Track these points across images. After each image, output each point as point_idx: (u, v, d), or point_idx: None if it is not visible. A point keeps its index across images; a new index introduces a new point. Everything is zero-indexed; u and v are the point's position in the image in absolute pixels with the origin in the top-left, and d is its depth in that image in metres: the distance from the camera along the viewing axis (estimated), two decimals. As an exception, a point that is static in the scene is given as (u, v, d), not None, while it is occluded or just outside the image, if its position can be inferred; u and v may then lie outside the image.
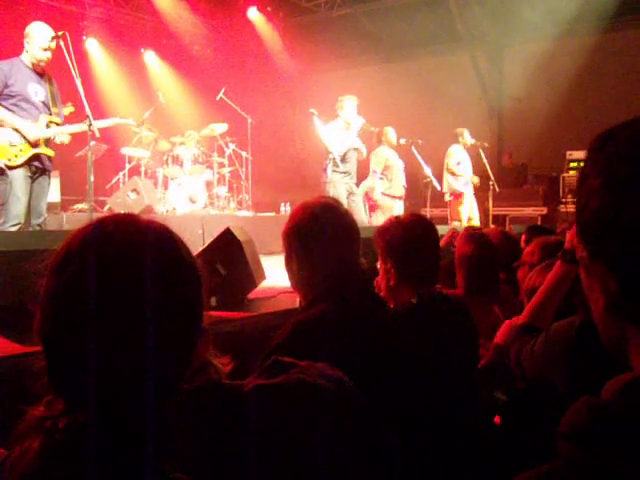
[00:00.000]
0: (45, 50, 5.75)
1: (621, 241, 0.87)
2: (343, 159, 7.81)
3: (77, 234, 1.06)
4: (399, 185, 9.26)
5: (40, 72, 5.85)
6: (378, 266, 2.67)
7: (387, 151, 9.24)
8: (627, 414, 0.82)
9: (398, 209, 9.00)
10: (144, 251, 1.04)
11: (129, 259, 1.02)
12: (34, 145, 5.67)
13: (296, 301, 2.80)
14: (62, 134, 5.89)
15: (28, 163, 5.67)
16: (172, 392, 1.08)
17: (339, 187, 7.72)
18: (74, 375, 1.00)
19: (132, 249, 1.04)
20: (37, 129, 5.69)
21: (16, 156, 5.60)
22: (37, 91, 5.77)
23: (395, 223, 2.66)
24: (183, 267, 1.10)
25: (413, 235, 2.60)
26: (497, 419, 2.90)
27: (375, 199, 9.05)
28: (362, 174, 8.86)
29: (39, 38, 5.72)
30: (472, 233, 3.71)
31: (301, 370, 1.37)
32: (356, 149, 8.09)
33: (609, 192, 0.89)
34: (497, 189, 10.58)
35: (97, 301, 0.98)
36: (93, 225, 1.08)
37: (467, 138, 10.12)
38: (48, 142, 5.82)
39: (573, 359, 1.89)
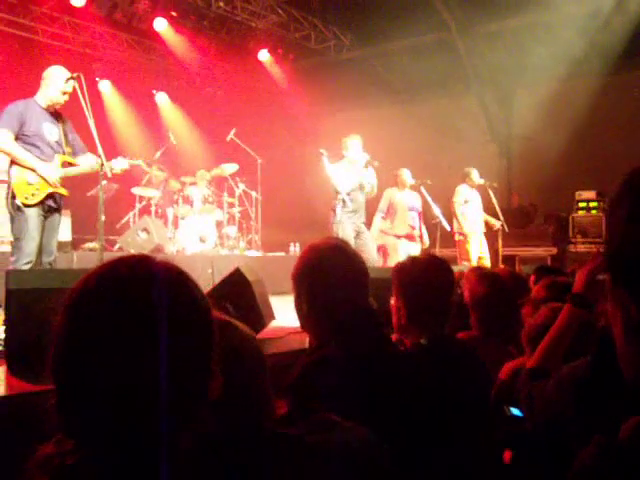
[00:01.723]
0: (64, 94, 5.84)
1: None
2: (350, 198, 7.86)
3: (93, 274, 1.08)
4: (403, 225, 9.33)
5: (53, 112, 5.92)
6: (392, 302, 2.66)
7: (395, 191, 9.33)
8: (636, 454, 0.82)
9: (405, 248, 9.06)
10: (158, 294, 1.05)
11: (143, 301, 1.04)
12: (51, 184, 5.72)
13: (305, 341, 2.80)
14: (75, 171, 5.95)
15: (43, 202, 5.73)
16: (186, 431, 1.09)
17: (347, 227, 7.75)
18: (84, 411, 1.01)
19: (146, 291, 1.05)
20: (54, 170, 5.75)
21: (33, 195, 5.65)
22: (51, 131, 5.85)
23: (410, 263, 2.67)
24: (197, 309, 1.11)
25: (425, 276, 2.60)
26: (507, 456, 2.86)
27: (375, 238, 9.11)
28: (372, 212, 8.94)
29: (59, 81, 5.81)
30: (485, 273, 3.69)
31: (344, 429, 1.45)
32: (362, 186, 8.11)
33: (632, 223, 0.91)
34: (507, 229, 10.56)
35: (111, 340, 1.00)
36: (109, 266, 1.10)
37: (475, 178, 10.13)
38: (62, 181, 5.88)
39: (585, 398, 1.88)
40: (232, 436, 1.36)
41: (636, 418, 0.88)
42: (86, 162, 5.99)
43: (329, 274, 2.18)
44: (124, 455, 1.00)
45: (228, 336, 1.46)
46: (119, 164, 6.10)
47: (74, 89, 5.84)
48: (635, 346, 0.94)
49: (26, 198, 5.63)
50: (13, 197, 5.65)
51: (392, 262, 8.49)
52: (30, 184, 5.64)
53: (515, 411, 2.50)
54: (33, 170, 5.64)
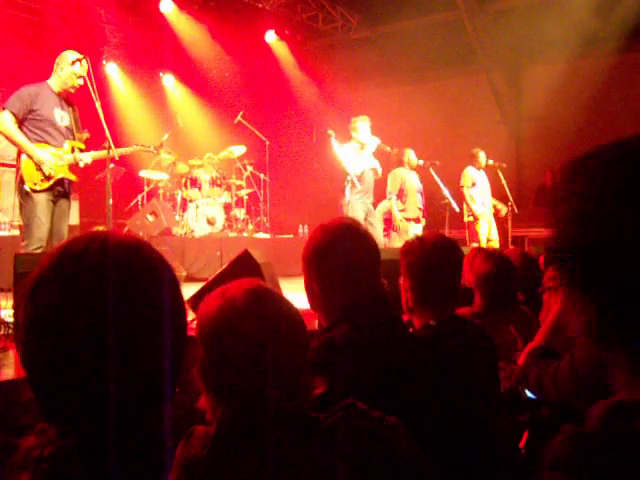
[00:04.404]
0: (78, 77, 5.84)
1: (597, 268, 0.86)
2: (360, 179, 7.83)
3: (48, 255, 1.06)
4: (414, 207, 9.27)
5: (64, 98, 5.92)
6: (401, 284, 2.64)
7: (405, 172, 9.26)
8: (607, 442, 0.81)
9: (414, 231, 9.01)
10: (111, 267, 1.02)
11: (95, 278, 1.00)
12: (44, 172, 5.69)
13: (314, 323, 2.78)
14: (87, 158, 5.95)
15: (52, 188, 5.73)
16: (163, 402, 1.06)
17: (357, 208, 7.73)
18: (59, 400, 0.99)
19: (98, 267, 1.02)
20: (52, 159, 5.72)
21: (42, 181, 5.65)
22: (62, 116, 5.84)
23: (417, 243, 2.64)
24: (151, 270, 1.07)
25: (432, 257, 2.56)
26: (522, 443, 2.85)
27: (394, 221, 9.07)
28: (378, 194, 8.87)
29: (71, 64, 5.82)
30: (490, 252, 3.68)
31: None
32: (372, 168, 8.12)
33: (582, 225, 0.88)
34: (516, 210, 10.51)
35: (65, 320, 0.97)
36: (63, 244, 1.07)
37: (482, 159, 10.09)
38: (71, 166, 5.87)
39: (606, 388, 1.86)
40: (261, 416, 1.37)
41: (600, 404, 0.87)
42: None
43: (340, 254, 2.16)
44: (99, 440, 0.98)
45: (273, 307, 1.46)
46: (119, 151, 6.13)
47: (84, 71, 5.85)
48: (595, 343, 0.93)
49: (34, 184, 5.63)
50: (22, 182, 5.66)
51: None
52: (39, 170, 5.63)
53: (531, 394, 2.48)
54: (30, 156, 5.62)
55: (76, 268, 1.02)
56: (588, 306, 0.89)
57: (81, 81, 5.88)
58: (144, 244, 1.11)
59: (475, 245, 9.11)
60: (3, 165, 9.96)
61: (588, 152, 0.93)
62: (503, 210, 10.33)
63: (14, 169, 6.23)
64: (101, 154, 6.00)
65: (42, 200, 5.66)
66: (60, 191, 5.82)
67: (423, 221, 9.49)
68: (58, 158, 5.74)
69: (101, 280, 1.00)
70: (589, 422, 0.86)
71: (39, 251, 5.47)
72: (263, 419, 1.38)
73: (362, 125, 8.09)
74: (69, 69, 5.83)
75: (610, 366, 0.91)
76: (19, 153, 5.73)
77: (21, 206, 5.75)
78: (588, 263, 0.87)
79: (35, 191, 5.64)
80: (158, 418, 1.05)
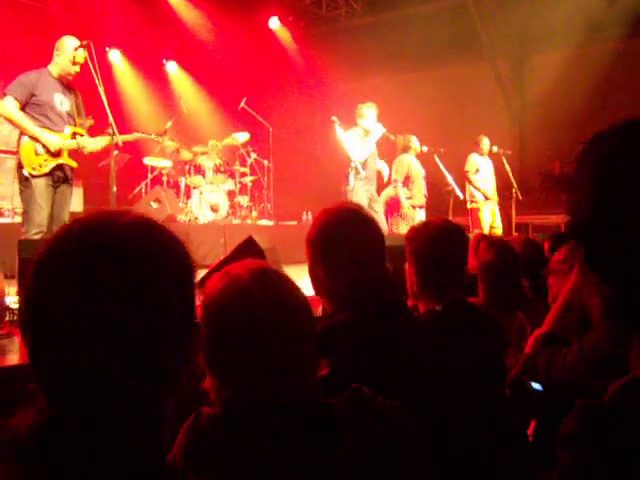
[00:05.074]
0: (74, 64, 5.83)
1: (614, 248, 0.86)
2: (364, 166, 7.82)
3: (51, 237, 1.05)
4: (420, 194, 9.24)
5: (66, 84, 5.91)
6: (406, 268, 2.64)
7: (411, 159, 9.23)
8: (623, 415, 0.81)
9: (419, 218, 8.97)
10: (119, 242, 1.01)
11: (107, 251, 0.99)
12: (57, 155, 5.71)
13: (319, 310, 2.78)
14: (91, 145, 5.94)
15: (51, 173, 5.73)
16: (170, 389, 1.06)
17: (360, 194, 7.72)
18: (62, 386, 0.98)
19: (109, 242, 1.01)
20: (58, 139, 5.74)
21: (40, 165, 5.65)
22: (62, 101, 5.84)
23: (423, 229, 2.64)
24: (159, 254, 1.05)
25: (438, 242, 2.56)
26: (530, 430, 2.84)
27: (401, 207, 9.04)
28: (381, 183, 8.86)
29: (70, 50, 5.82)
30: (493, 240, 3.67)
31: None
32: (374, 154, 8.11)
33: (597, 202, 0.88)
34: (520, 197, 10.49)
35: (72, 304, 0.96)
36: (65, 226, 1.06)
37: (485, 145, 10.07)
38: (71, 153, 5.87)
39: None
40: (266, 402, 1.37)
41: (620, 381, 0.88)
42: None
43: (344, 238, 2.15)
44: (100, 421, 0.98)
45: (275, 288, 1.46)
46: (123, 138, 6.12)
47: (84, 58, 5.83)
48: (612, 321, 0.93)
49: (33, 169, 5.63)
50: (20, 167, 5.66)
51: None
52: (38, 154, 5.64)
53: (537, 386, 2.47)
54: (36, 139, 5.63)
55: (78, 250, 1.00)
56: (604, 286, 0.89)
57: (77, 68, 5.87)
58: (154, 226, 1.09)
59: (477, 232, 9.09)
60: (6, 152, 9.94)
61: (603, 131, 0.93)
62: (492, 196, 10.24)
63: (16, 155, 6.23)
64: (105, 140, 5.98)
65: (41, 185, 5.66)
66: (60, 176, 5.82)
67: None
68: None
69: (105, 262, 0.98)
70: (607, 397, 0.87)
71: (38, 237, 5.47)
72: (267, 402, 1.37)
73: (368, 112, 8.06)
74: (66, 55, 5.83)
75: (626, 345, 0.91)
76: (19, 138, 5.73)
77: (21, 191, 5.76)
78: (605, 242, 0.87)
79: (34, 176, 5.63)
80: (160, 402, 1.05)
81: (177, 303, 1.04)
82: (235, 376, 1.40)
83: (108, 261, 0.98)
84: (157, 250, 1.05)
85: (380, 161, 8.34)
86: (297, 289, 1.52)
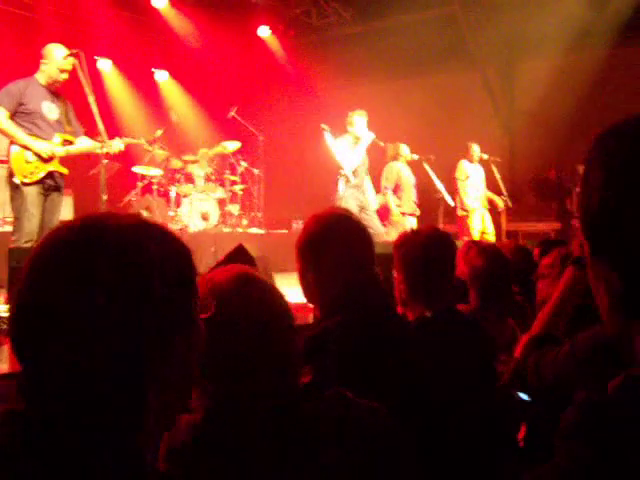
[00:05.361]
0: (62, 72, 5.82)
1: (622, 238, 0.87)
2: (354, 173, 7.84)
3: (41, 243, 1.04)
4: (409, 202, 9.27)
5: (54, 91, 5.90)
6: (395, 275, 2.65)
7: (401, 166, 9.26)
8: (624, 410, 0.81)
9: (410, 225, 8.99)
10: (119, 242, 1.01)
11: (107, 250, 0.99)
12: (48, 161, 5.71)
13: (309, 317, 2.78)
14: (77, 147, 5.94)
15: (42, 180, 5.71)
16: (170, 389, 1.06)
17: (350, 202, 7.72)
18: (55, 378, 0.97)
19: (109, 242, 1.00)
20: (49, 145, 5.73)
21: (31, 173, 5.64)
22: (51, 109, 5.83)
23: (411, 237, 2.64)
24: (162, 253, 1.05)
25: (426, 250, 2.57)
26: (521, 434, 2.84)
27: (391, 215, 9.06)
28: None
29: (57, 59, 5.80)
30: (483, 247, 3.67)
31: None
32: (364, 162, 8.13)
33: (609, 189, 0.89)
34: (510, 204, 10.53)
35: (65, 306, 0.96)
36: (54, 229, 1.06)
37: (476, 152, 10.11)
38: (61, 160, 5.86)
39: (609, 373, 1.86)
40: (245, 407, 1.36)
41: (622, 375, 0.88)
42: (85, 142, 6.00)
43: (334, 243, 2.15)
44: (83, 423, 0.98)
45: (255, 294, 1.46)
46: (115, 146, 6.07)
47: (74, 67, 5.83)
48: (620, 318, 0.93)
49: (24, 177, 5.62)
50: (11, 175, 5.65)
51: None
52: (28, 162, 5.64)
53: (524, 396, 2.48)
54: (27, 148, 5.62)
55: (78, 249, 1.00)
56: (613, 275, 0.90)
57: (66, 75, 5.87)
58: (153, 225, 1.09)
59: (467, 239, 9.11)
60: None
61: (615, 124, 0.96)
62: (500, 203, 10.33)
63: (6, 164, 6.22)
64: (93, 145, 5.98)
65: (32, 193, 5.65)
66: (51, 185, 5.82)
67: (418, 211, 9.52)
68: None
69: (105, 261, 0.98)
70: (609, 391, 0.87)
71: (28, 245, 5.46)
72: (248, 407, 1.37)
73: (359, 119, 8.08)
74: (54, 63, 5.82)
75: (632, 338, 0.92)
76: (8, 147, 5.73)
77: (12, 199, 5.75)
78: (618, 226, 0.88)
79: (25, 184, 5.63)
80: (143, 406, 1.03)
81: (177, 303, 1.05)
82: (215, 383, 1.40)
83: (108, 261, 0.98)
84: (157, 250, 1.04)
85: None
86: (278, 295, 1.52)
